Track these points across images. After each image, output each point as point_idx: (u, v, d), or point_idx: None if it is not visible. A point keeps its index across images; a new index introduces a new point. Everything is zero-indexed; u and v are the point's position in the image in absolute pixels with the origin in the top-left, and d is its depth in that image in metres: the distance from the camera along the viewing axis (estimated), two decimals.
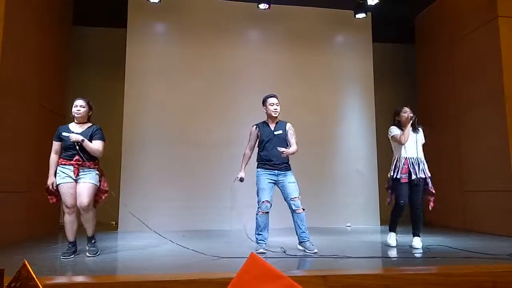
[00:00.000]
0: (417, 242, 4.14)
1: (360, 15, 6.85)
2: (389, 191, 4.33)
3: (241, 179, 4.04)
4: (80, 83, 7.00)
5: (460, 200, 6.12)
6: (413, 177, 4.09)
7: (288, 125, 4.08)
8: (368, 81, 7.24)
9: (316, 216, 6.05)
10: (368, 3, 6.53)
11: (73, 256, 3.57)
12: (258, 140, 4.09)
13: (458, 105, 6.22)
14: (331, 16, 7.23)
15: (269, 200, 3.82)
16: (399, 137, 4.18)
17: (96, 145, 3.64)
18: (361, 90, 7.25)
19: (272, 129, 4.01)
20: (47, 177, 3.65)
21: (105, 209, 3.91)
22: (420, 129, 4.33)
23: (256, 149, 4.13)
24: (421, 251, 3.92)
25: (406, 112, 4.25)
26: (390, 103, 7.68)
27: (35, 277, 1.83)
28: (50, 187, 3.58)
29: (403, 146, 4.19)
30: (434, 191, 4.20)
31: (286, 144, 3.98)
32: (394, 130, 4.28)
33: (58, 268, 3.16)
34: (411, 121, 4.20)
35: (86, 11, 7.13)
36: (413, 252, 3.90)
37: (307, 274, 2.61)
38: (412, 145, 4.22)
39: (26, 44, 5.09)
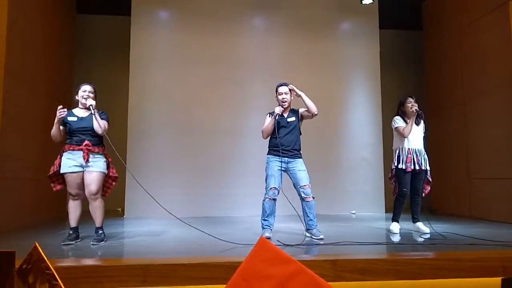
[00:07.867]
0: (423, 226, 4.22)
1: (367, 1, 6.75)
2: (393, 181, 4.39)
3: (278, 114, 3.88)
4: (85, 71, 6.98)
5: (467, 188, 6.09)
6: (417, 167, 4.15)
7: (301, 109, 4.03)
8: (375, 68, 7.16)
9: (321, 203, 6.02)
10: None
11: (73, 243, 3.49)
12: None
13: (466, 92, 6.14)
14: (337, 2, 7.12)
15: (276, 187, 3.81)
16: (403, 130, 4.21)
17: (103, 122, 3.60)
18: (367, 77, 7.18)
19: (285, 116, 3.99)
20: (53, 164, 3.61)
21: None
22: (422, 122, 4.33)
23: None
24: (429, 235, 3.97)
25: (411, 103, 4.24)
26: (397, 90, 7.64)
27: (46, 259, 1.84)
28: (59, 114, 3.44)
29: (406, 138, 4.20)
30: (431, 179, 4.32)
31: (299, 131, 3.99)
32: (398, 122, 4.29)
33: (65, 252, 3.18)
34: (416, 114, 4.19)
35: None
36: (421, 236, 3.95)
37: (316, 259, 2.61)
38: (415, 137, 4.25)
39: (31, 34, 5.07)
